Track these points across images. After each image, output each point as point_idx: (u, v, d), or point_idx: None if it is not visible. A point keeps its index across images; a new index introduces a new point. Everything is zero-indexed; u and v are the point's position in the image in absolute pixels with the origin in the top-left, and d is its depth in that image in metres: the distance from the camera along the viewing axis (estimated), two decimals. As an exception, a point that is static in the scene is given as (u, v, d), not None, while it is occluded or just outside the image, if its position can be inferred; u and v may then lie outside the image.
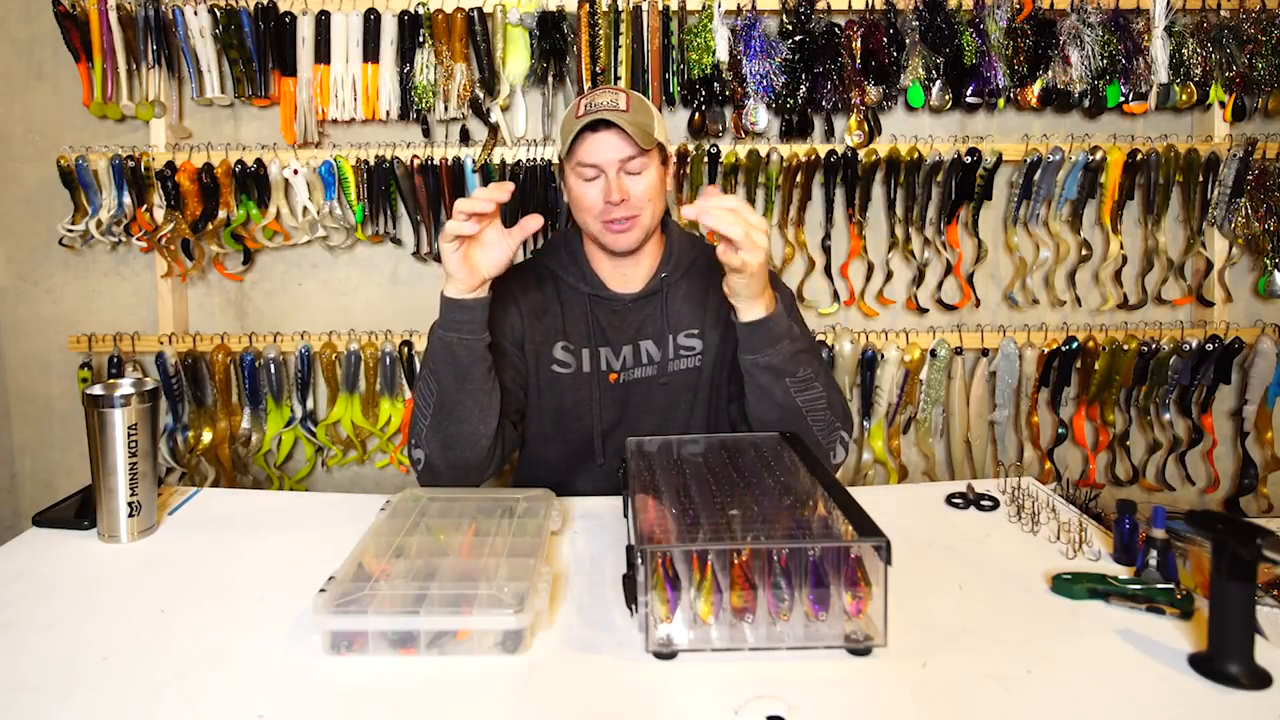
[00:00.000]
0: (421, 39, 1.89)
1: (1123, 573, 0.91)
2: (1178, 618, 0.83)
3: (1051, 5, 1.94)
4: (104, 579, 0.95)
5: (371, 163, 1.92)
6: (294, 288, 2.10)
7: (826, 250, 2.02)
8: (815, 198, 2.01)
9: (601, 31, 1.88)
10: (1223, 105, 1.98)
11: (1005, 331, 2.03)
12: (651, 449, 1.10)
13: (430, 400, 1.14)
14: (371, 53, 1.89)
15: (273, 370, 1.99)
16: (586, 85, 1.90)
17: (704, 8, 1.90)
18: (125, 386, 1.04)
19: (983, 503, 1.13)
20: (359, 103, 1.91)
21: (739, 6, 1.92)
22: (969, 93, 1.92)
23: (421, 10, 1.88)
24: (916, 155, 1.95)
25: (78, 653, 0.79)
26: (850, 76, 1.91)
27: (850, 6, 1.94)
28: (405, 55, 1.89)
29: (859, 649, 0.77)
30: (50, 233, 2.00)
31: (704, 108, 1.94)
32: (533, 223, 1.08)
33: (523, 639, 0.78)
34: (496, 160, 1.93)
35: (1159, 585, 0.85)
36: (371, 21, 1.88)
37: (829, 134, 1.98)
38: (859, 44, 1.91)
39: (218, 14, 1.86)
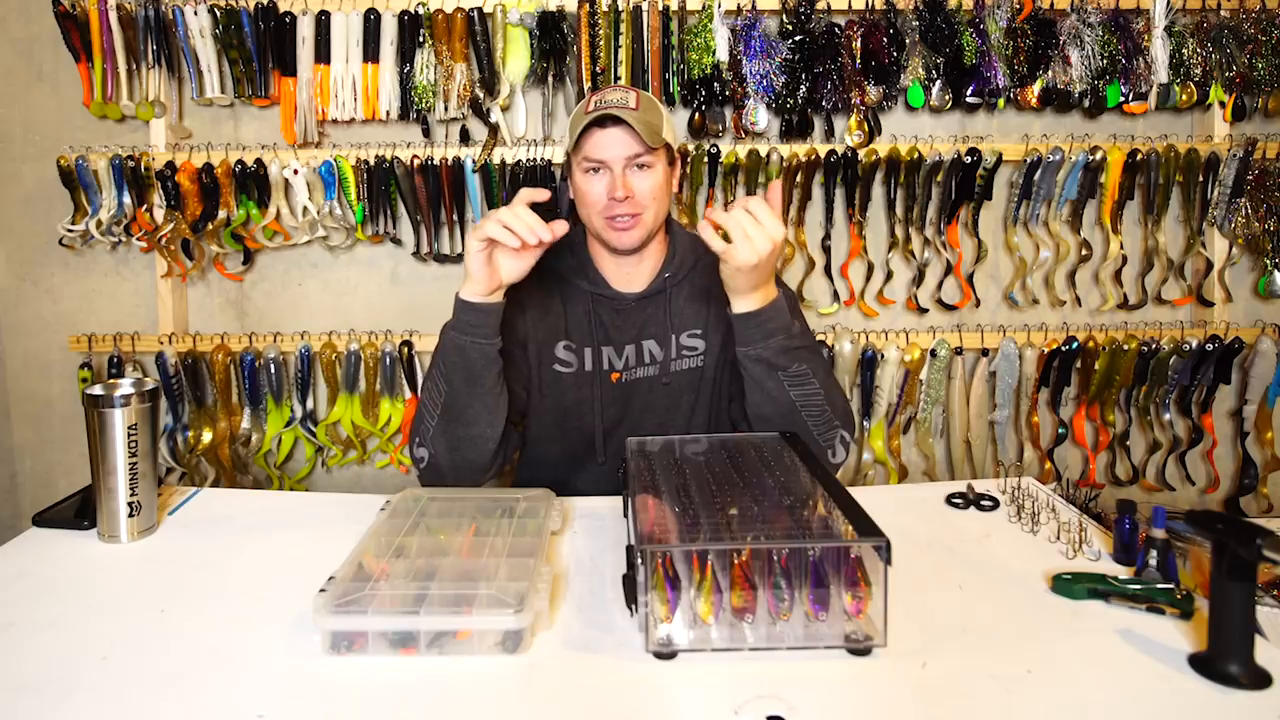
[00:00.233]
0: (421, 39, 1.89)
1: (1123, 573, 0.91)
2: (1178, 618, 0.83)
3: (1051, 5, 1.94)
4: (104, 579, 0.95)
5: (371, 163, 1.92)
6: (294, 288, 2.10)
7: (826, 250, 2.02)
8: (815, 198, 2.02)
9: (601, 31, 1.88)
10: (1223, 105, 1.98)
11: (1005, 331, 2.03)
12: (652, 449, 1.10)
13: (438, 401, 1.14)
14: (371, 53, 1.89)
15: (273, 370, 1.99)
16: (586, 85, 1.90)
17: (704, 8, 1.90)
18: (125, 386, 1.04)
19: (983, 503, 1.13)
20: (359, 103, 1.91)
21: (739, 6, 1.92)
22: (969, 93, 1.93)
23: (421, 10, 1.88)
24: (916, 155, 1.95)
25: (78, 653, 0.79)
26: (850, 76, 1.91)
27: (850, 6, 1.94)
28: (405, 55, 1.89)
29: (859, 649, 0.77)
30: (50, 233, 2.00)
31: (704, 108, 1.94)
32: (560, 228, 1.08)
33: (523, 639, 0.78)
34: (496, 160, 1.93)
35: (1159, 585, 0.85)
36: (371, 21, 1.88)
37: (829, 134, 1.98)
38: (859, 44, 1.91)
39: (218, 14, 1.85)
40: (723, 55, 1.88)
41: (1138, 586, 0.86)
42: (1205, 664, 0.74)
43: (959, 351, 2.01)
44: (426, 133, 1.98)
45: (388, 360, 2.00)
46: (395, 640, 0.77)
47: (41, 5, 1.94)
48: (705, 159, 1.93)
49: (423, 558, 0.87)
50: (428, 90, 1.90)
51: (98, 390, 1.02)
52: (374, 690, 0.73)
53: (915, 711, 0.70)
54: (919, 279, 2.04)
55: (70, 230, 1.93)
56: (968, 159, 1.92)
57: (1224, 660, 0.73)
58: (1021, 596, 0.89)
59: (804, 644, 0.77)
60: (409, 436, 1.22)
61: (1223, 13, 1.96)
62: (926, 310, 2.06)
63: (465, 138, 1.97)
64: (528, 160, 1.93)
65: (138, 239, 1.92)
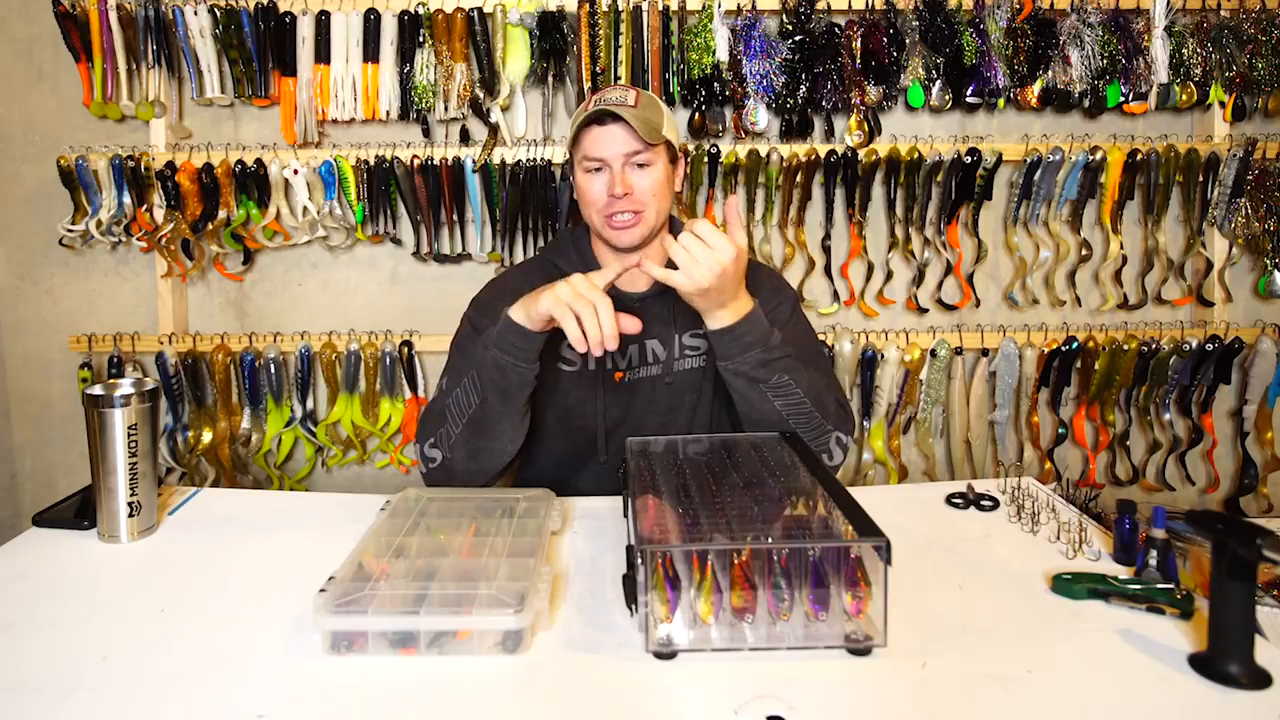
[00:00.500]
0: (421, 39, 1.89)
1: (1123, 573, 0.91)
2: (1178, 618, 0.83)
3: (1051, 5, 1.94)
4: (104, 579, 0.95)
5: (371, 163, 1.92)
6: (294, 288, 2.10)
7: (826, 250, 2.02)
8: (815, 198, 2.02)
9: (601, 31, 1.88)
10: (1223, 105, 1.98)
11: (1005, 331, 2.03)
12: (652, 449, 1.10)
13: (466, 411, 1.14)
14: (371, 53, 1.89)
15: (273, 370, 1.99)
16: (586, 85, 1.90)
17: (704, 8, 1.90)
18: (125, 386, 1.04)
19: (983, 503, 1.13)
20: (359, 103, 1.91)
21: (739, 6, 1.92)
22: (969, 93, 1.93)
23: (421, 10, 1.88)
24: (916, 155, 1.95)
25: (78, 653, 0.79)
26: (850, 76, 1.91)
27: (850, 6, 1.94)
28: (405, 55, 1.89)
29: (859, 649, 0.77)
30: (50, 233, 2.00)
31: (704, 108, 1.94)
32: (630, 326, 1.04)
33: (523, 639, 0.78)
34: (496, 160, 1.93)
35: (1159, 585, 0.85)
36: (371, 21, 1.88)
37: (829, 134, 1.98)
38: (859, 44, 1.91)
39: (218, 14, 1.85)
40: (723, 55, 1.88)
41: (1138, 586, 0.86)
42: (1205, 664, 0.74)
43: (959, 351, 2.01)
44: (426, 133, 1.98)
45: (388, 360, 2.00)
46: (395, 640, 0.77)
47: (41, 5, 1.94)
48: (705, 159, 1.93)
49: (423, 558, 0.88)
50: (428, 90, 1.90)
51: (98, 390, 1.02)
52: (374, 690, 0.73)
53: (915, 711, 0.70)
54: (919, 279, 2.04)
55: (70, 230, 1.93)
56: (968, 159, 1.92)
57: (1224, 660, 0.73)
58: (1021, 596, 0.89)
59: (804, 644, 0.77)
60: (418, 435, 1.21)
61: (1223, 13, 1.96)
62: (926, 310, 2.06)
63: (465, 138, 1.97)
64: (528, 160, 1.93)
65: (138, 239, 1.92)
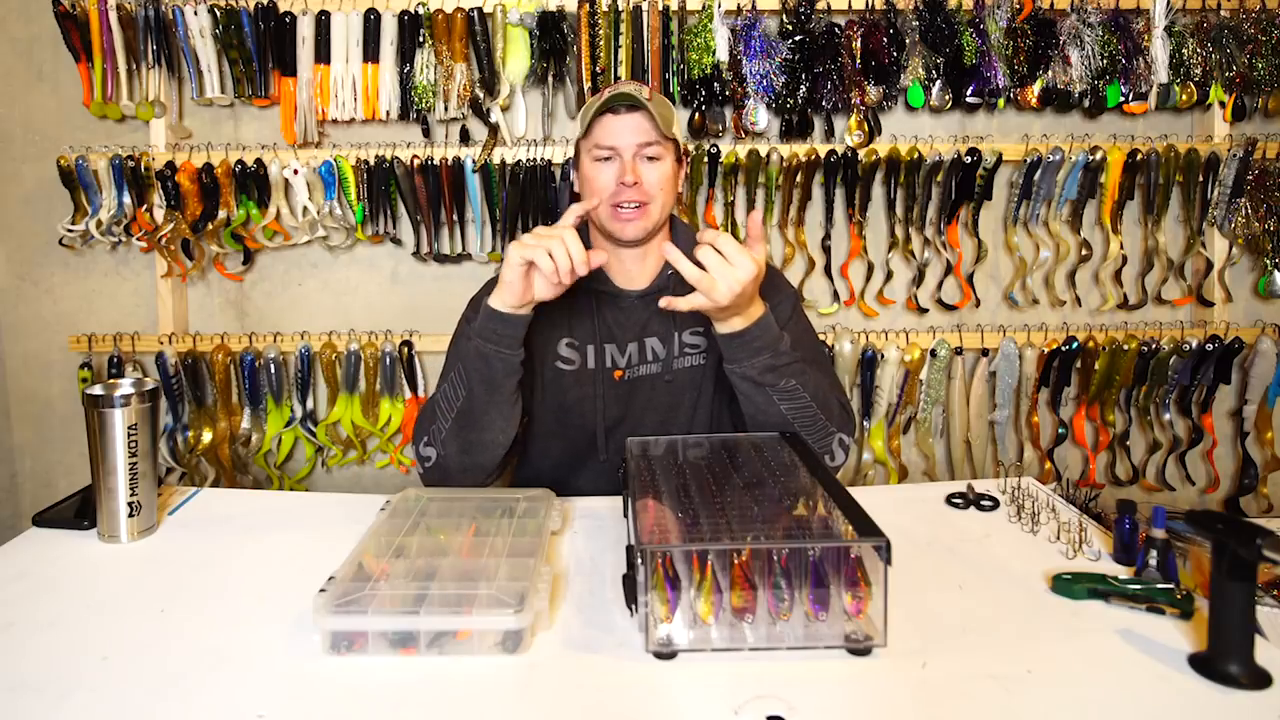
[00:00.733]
0: (421, 39, 1.89)
1: (1123, 573, 0.91)
2: (1178, 618, 0.83)
3: (1051, 5, 1.94)
4: (104, 579, 0.95)
5: (371, 163, 1.92)
6: (294, 288, 2.10)
7: (826, 250, 2.02)
8: (815, 198, 2.02)
9: (601, 31, 1.88)
10: (1223, 105, 1.98)
11: (1005, 331, 2.03)
12: (652, 449, 1.10)
13: (455, 404, 1.14)
14: (371, 53, 1.89)
15: (273, 370, 1.99)
16: (586, 85, 1.90)
17: (704, 8, 1.90)
18: (125, 386, 1.04)
19: (983, 503, 1.13)
20: (359, 103, 1.91)
21: (739, 6, 1.92)
22: (969, 93, 1.93)
23: (421, 10, 1.88)
24: (916, 155, 1.95)
25: (78, 653, 0.79)
26: (850, 76, 1.91)
27: (850, 6, 1.94)
28: (405, 55, 1.89)
29: (859, 649, 0.77)
30: (50, 233, 2.00)
31: (704, 108, 1.94)
32: (598, 258, 1.07)
33: (523, 639, 0.78)
34: (496, 160, 1.93)
35: (1159, 585, 0.85)
36: (371, 21, 1.88)
37: (829, 134, 1.98)
38: (859, 44, 1.91)
39: (218, 14, 1.85)
40: (723, 55, 1.88)
41: (1138, 586, 0.86)
42: (1205, 664, 0.74)
43: (959, 351, 2.01)
44: (426, 133, 1.98)
45: (388, 360, 2.00)
46: (395, 640, 0.77)
47: (41, 5, 1.94)
48: (705, 159, 1.93)
49: (423, 558, 0.88)
50: (428, 90, 1.90)
51: (98, 390, 1.02)
52: (374, 690, 0.73)
53: (915, 711, 0.70)
54: (919, 279, 2.04)
55: (70, 230, 1.93)
56: (968, 159, 1.92)
57: (1224, 660, 0.73)
58: (1021, 596, 0.89)
59: (804, 644, 0.77)
60: (413, 435, 1.22)
61: (1223, 13, 1.96)
62: (926, 310, 2.06)
63: (465, 138, 1.97)
64: (528, 160, 1.93)
65: (138, 239, 1.92)
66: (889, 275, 2.04)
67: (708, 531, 0.80)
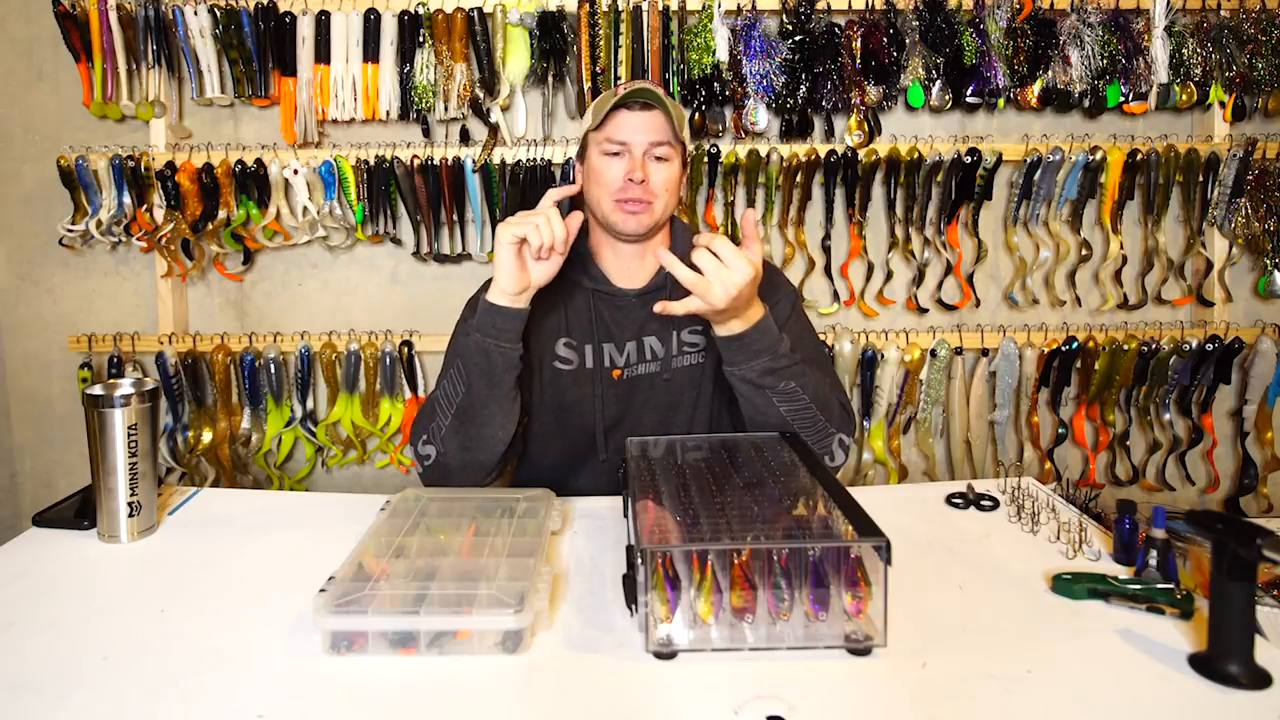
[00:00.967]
0: (421, 39, 1.89)
1: (1123, 573, 0.91)
2: (1178, 618, 0.83)
3: (1051, 5, 1.94)
4: (104, 579, 0.95)
5: (371, 163, 1.92)
6: (294, 288, 2.10)
7: (826, 250, 2.02)
8: (815, 198, 2.02)
9: (601, 31, 1.88)
10: (1223, 105, 1.97)
11: (1005, 331, 2.03)
12: (651, 450, 1.10)
13: (454, 401, 1.14)
14: (371, 53, 1.89)
15: (273, 370, 1.99)
16: (586, 85, 1.90)
17: (704, 8, 1.90)
18: (125, 386, 1.04)
19: (983, 503, 1.13)
20: (359, 103, 1.91)
21: (739, 6, 1.92)
22: (969, 93, 1.93)
23: (421, 10, 1.88)
24: (916, 155, 1.95)
25: (78, 653, 0.79)
26: (850, 76, 1.91)
27: (850, 6, 1.94)
28: (405, 55, 1.89)
29: (859, 649, 0.77)
30: (50, 233, 2.00)
31: (704, 108, 1.94)
32: (575, 221, 1.11)
33: (523, 639, 0.78)
34: (496, 160, 1.93)
35: (1159, 585, 0.85)
36: (371, 21, 1.88)
37: (829, 134, 1.98)
38: (859, 44, 1.91)
39: (218, 14, 1.85)
40: (723, 55, 1.88)
41: (1138, 586, 0.86)
42: (1205, 664, 0.74)
43: (959, 351, 2.01)
44: (426, 133, 1.98)
45: (388, 360, 2.00)
46: (395, 640, 0.77)
47: (41, 5, 1.94)
48: (705, 159, 1.93)
49: (423, 558, 0.87)
50: (428, 90, 1.90)
51: (98, 390, 1.02)
52: (374, 690, 0.73)
53: (915, 711, 0.70)
54: (919, 279, 2.04)
55: (70, 230, 1.93)
56: (968, 159, 1.92)
57: (1224, 660, 0.73)
58: (1021, 596, 0.89)
59: (804, 644, 0.77)
60: (411, 434, 1.22)
61: (1223, 13, 1.96)
62: (926, 310, 2.06)
63: (465, 138, 1.97)
64: (528, 160, 1.93)
65: (138, 239, 1.92)
66: (889, 275, 2.04)
67: (708, 531, 0.80)
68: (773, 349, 1.11)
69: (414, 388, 2.02)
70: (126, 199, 1.92)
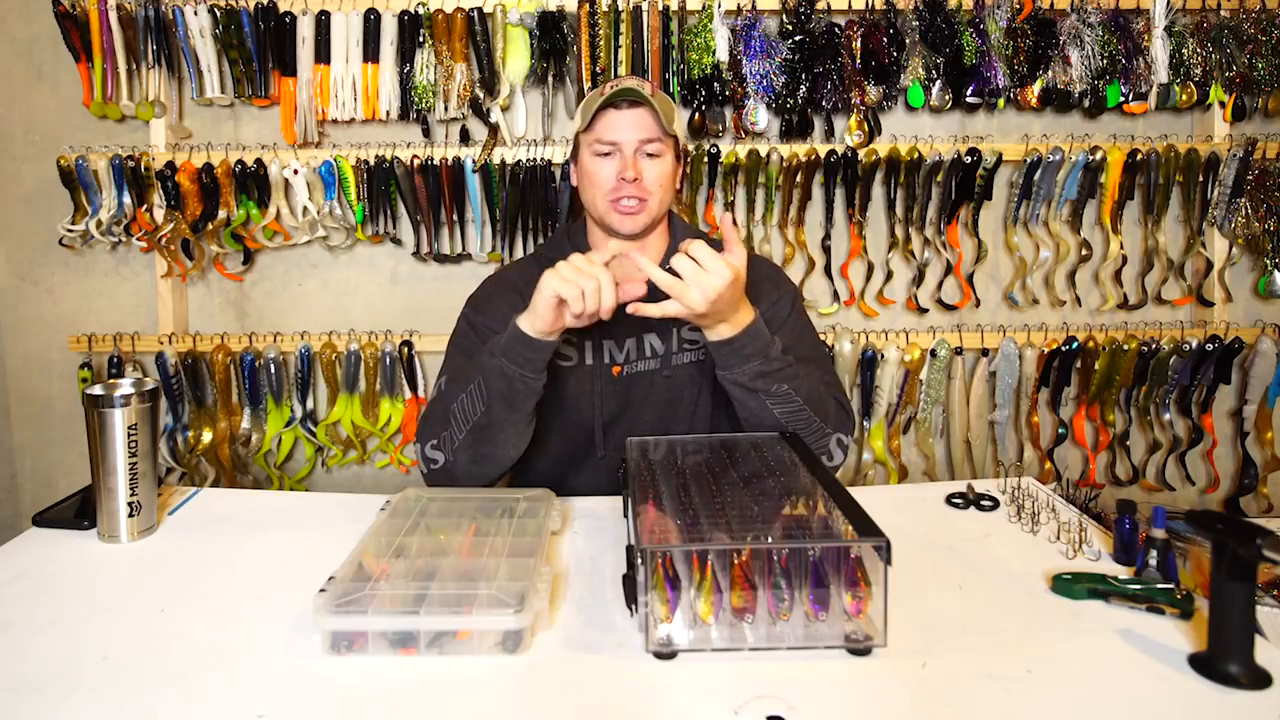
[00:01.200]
0: (421, 39, 1.89)
1: (1123, 573, 0.91)
2: (1178, 618, 0.83)
3: (1051, 5, 1.94)
4: (104, 579, 0.95)
5: (371, 163, 1.92)
6: (294, 288, 2.10)
7: (826, 250, 2.02)
8: (815, 198, 2.02)
9: (601, 31, 1.88)
10: (1223, 105, 1.97)
11: (1005, 331, 2.03)
12: (651, 450, 1.10)
13: (471, 418, 1.14)
14: (371, 53, 1.89)
15: (273, 370, 1.99)
16: (586, 85, 1.89)
17: (704, 8, 1.89)
18: (125, 386, 1.04)
19: (983, 503, 1.13)
20: (359, 103, 1.91)
21: (739, 6, 1.92)
22: (969, 93, 1.93)
23: (421, 10, 1.88)
24: (916, 155, 1.95)
25: (78, 653, 0.79)
26: (850, 76, 1.91)
27: (850, 6, 1.94)
28: (405, 55, 1.89)
29: (859, 649, 0.77)
30: (50, 233, 2.00)
31: (704, 108, 1.94)
32: (635, 289, 1.07)
33: (523, 639, 0.78)
34: (496, 160, 1.93)
35: (1159, 585, 0.85)
36: (371, 21, 1.88)
37: (829, 134, 1.98)
38: (859, 44, 1.91)
39: (218, 14, 1.85)
40: (723, 55, 1.88)
41: (1138, 586, 0.86)
42: (1205, 664, 0.74)
43: (959, 351, 2.01)
44: (426, 133, 1.98)
45: (388, 360, 2.00)
46: (395, 640, 0.77)
47: (41, 5, 1.94)
48: (705, 159, 1.93)
49: (423, 558, 0.87)
50: (428, 90, 1.90)
51: (98, 390, 1.02)
52: (374, 690, 0.73)
53: (915, 711, 0.70)
54: (919, 279, 2.04)
55: (70, 230, 1.93)
56: (968, 159, 1.92)
57: (1224, 660, 0.73)
58: (1021, 596, 0.89)
59: (804, 644, 0.77)
60: (419, 435, 1.21)
61: (1223, 13, 1.96)
62: (926, 310, 2.06)
63: (465, 138, 1.97)
64: (528, 160, 1.93)
65: (138, 239, 1.92)
66: (889, 275, 2.04)
67: (708, 531, 0.80)
68: (764, 353, 1.11)
69: (414, 388, 2.02)
70: (126, 199, 1.92)
